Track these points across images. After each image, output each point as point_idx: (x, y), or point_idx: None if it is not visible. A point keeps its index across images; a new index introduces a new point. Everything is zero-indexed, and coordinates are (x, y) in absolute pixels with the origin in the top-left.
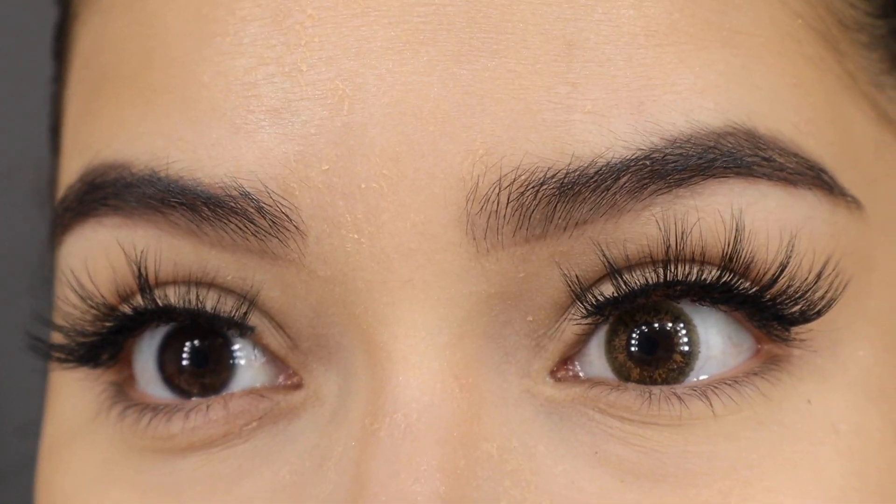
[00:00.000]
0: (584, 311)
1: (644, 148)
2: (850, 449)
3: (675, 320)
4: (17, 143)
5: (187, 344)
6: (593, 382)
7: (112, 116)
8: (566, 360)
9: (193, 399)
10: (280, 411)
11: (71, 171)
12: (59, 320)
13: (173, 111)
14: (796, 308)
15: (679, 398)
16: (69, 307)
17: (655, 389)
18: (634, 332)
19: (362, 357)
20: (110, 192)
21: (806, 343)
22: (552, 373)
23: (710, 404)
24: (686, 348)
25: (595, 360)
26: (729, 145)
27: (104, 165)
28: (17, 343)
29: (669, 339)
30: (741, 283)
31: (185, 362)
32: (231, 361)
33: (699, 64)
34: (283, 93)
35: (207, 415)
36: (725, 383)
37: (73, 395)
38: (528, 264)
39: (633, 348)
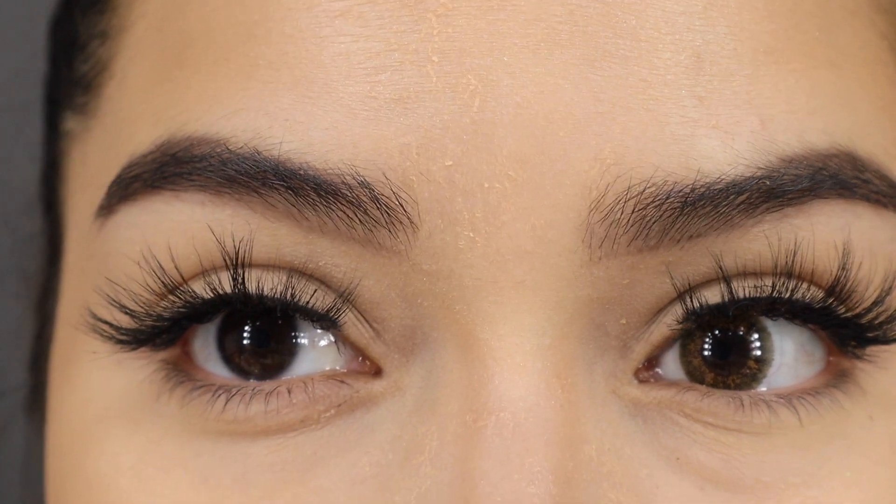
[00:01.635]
0: (681, 315)
1: (763, 167)
2: None
3: (751, 327)
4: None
5: (248, 323)
6: (681, 387)
7: (202, 88)
8: (650, 362)
9: (267, 382)
10: (358, 399)
11: (139, 139)
12: (119, 297)
13: (282, 89)
14: (878, 332)
15: (768, 405)
16: (136, 285)
17: (745, 396)
18: (709, 335)
19: (455, 352)
20: (198, 167)
21: (878, 359)
22: (636, 374)
23: (797, 413)
24: (759, 353)
25: (669, 362)
26: (834, 167)
27: (192, 139)
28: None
29: (744, 345)
30: (840, 307)
31: (245, 342)
32: (294, 342)
33: (811, 84)
34: (410, 82)
35: (290, 397)
36: (808, 393)
37: (101, 378)
38: (635, 272)
39: (706, 352)
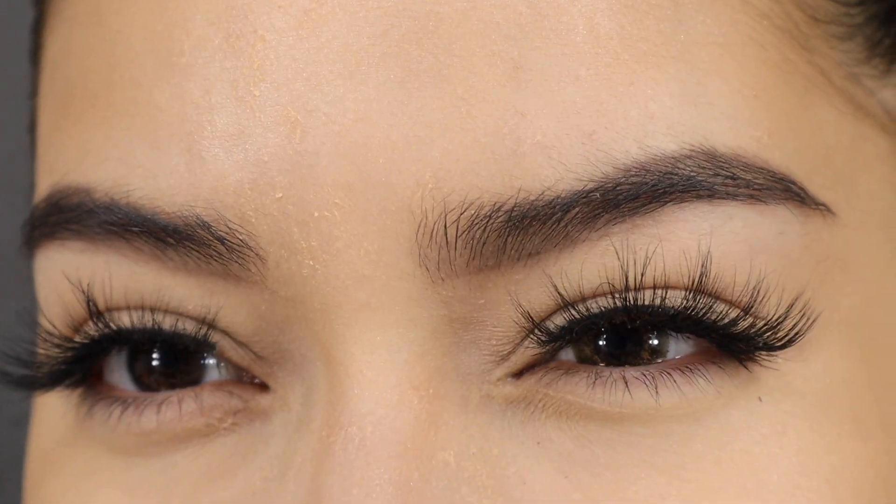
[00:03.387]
0: (541, 340)
1: (596, 179)
2: (797, 450)
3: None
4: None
5: (156, 350)
6: (548, 368)
7: (77, 137)
8: (531, 366)
9: (163, 392)
10: (253, 411)
11: (41, 187)
12: (17, 350)
13: (133, 136)
14: (760, 340)
15: (626, 382)
16: (40, 336)
17: (605, 372)
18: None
19: (323, 370)
20: (73, 217)
21: (768, 361)
22: (514, 375)
23: (657, 392)
24: (656, 342)
25: (561, 356)
26: (687, 169)
27: (69, 189)
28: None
29: (638, 337)
30: (707, 314)
31: (154, 363)
32: (202, 362)
33: (651, 85)
34: (236, 118)
35: (180, 408)
36: (678, 370)
37: (51, 403)
38: (487, 291)
39: (601, 342)
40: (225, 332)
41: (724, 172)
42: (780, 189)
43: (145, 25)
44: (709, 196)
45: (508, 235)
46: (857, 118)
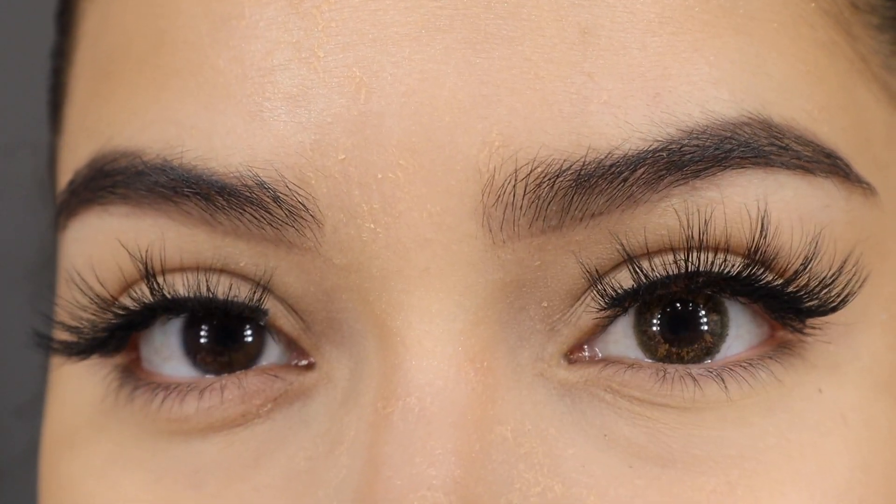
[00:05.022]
0: (601, 303)
1: (661, 139)
2: (857, 440)
3: (708, 300)
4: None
5: (205, 324)
6: (608, 362)
7: (123, 101)
8: (581, 344)
9: (207, 377)
10: (294, 392)
11: (79, 154)
12: (63, 313)
13: (186, 97)
14: (814, 302)
15: (694, 379)
16: (73, 302)
17: (670, 368)
18: (665, 310)
19: (374, 342)
20: (119, 181)
21: (820, 332)
22: (566, 356)
23: (726, 387)
24: (713, 327)
25: (620, 338)
26: (745, 135)
27: (115, 152)
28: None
29: (697, 319)
30: (765, 275)
31: (203, 340)
32: (248, 341)
33: (714, 53)
34: (299, 80)
35: (223, 394)
36: (741, 366)
37: (76, 383)
38: (545, 253)
39: (655, 327)
40: (278, 299)
41: (778, 142)
42: (828, 163)
43: None
44: (764, 164)
45: (574, 195)
46: (892, 108)
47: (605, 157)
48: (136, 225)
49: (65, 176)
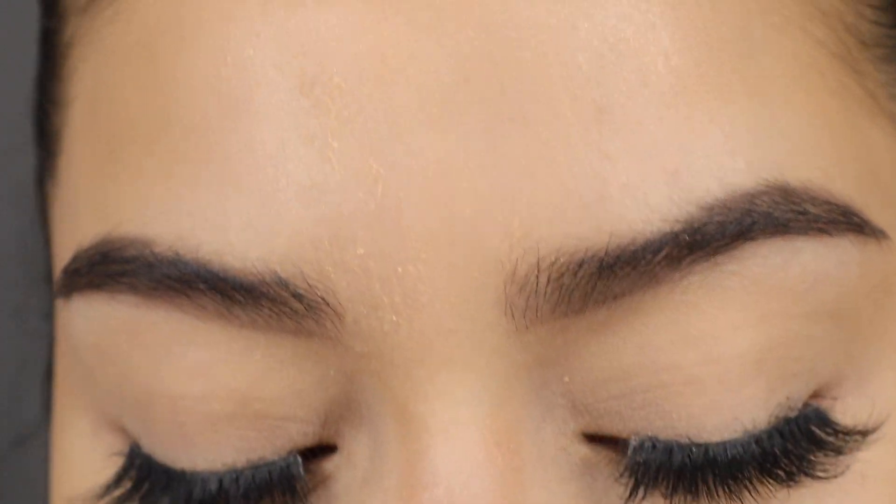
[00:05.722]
0: None
1: (681, 219)
2: (877, 496)
3: None
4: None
5: None
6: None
7: (131, 184)
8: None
9: None
10: (315, 480)
11: (84, 231)
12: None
13: (197, 185)
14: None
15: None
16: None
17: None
18: None
19: (395, 426)
20: (128, 270)
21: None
22: (587, 434)
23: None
24: None
25: None
26: (764, 205)
27: (123, 240)
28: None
29: None
30: None
31: None
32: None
33: (729, 121)
34: (314, 171)
35: None
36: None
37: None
38: (567, 333)
39: None
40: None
41: (796, 207)
42: (844, 221)
43: (206, 67)
44: (783, 232)
45: (598, 281)
46: None
47: (628, 243)
48: (146, 316)
49: (64, 241)
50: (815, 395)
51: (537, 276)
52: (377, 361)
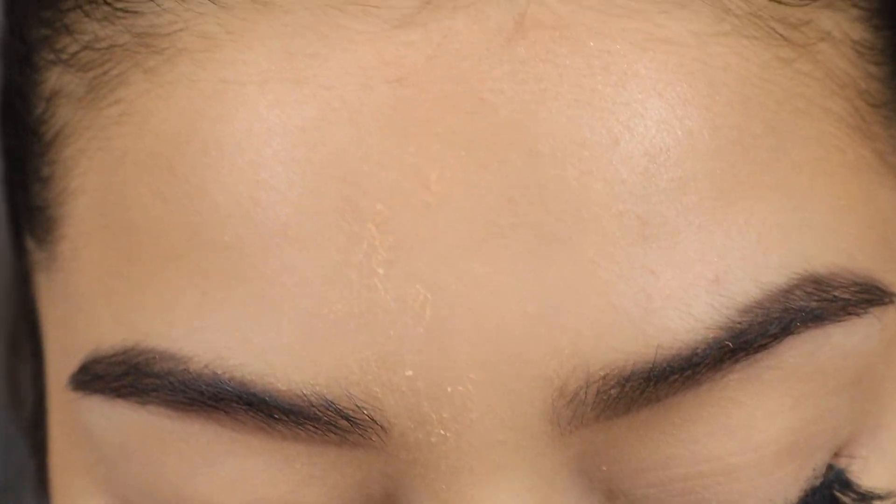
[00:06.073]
0: None
1: (723, 325)
2: None
3: None
4: None
5: None
6: None
7: (158, 296)
8: None
9: None
10: None
11: (101, 329)
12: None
13: (234, 306)
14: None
15: None
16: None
17: None
18: None
19: None
20: (161, 385)
21: None
22: None
23: None
24: None
25: None
26: (797, 299)
27: (154, 352)
28: None
29: None
30: None
31: None
32: None
33: (761, 219)
34: (359, 298)
35: None
36: None
37: None
38: (609, 432)
39: None
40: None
41: (826, 296)
42: (867, 297)
43: (237, 188)
44: (818, 323)
45: (644, 390)
46: None
47: (675, 355)
48: (180, 427)
49: (68, 327)
50: (835, 454)
51: (586, 391)
52: (422, 468)
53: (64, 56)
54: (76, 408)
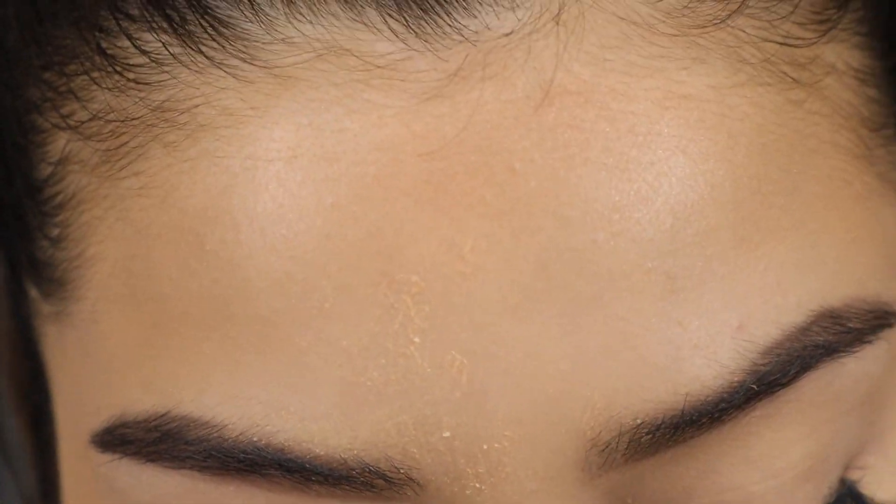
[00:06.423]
0: None
1: (746, 368)
2: None
3: None
4: None
5: None
6: None
7: (189, 365)
8: None
9: None
10: None
11: (127, 393)
12: None
13: (268, 376)
14: None
15: None
16: None
17: None
18: None
19: None
20: (195, 451)
21: None
22: None
23: None
24: None
25: None
26: (815, 335)
27: (187, 419)
28: None
29: None
30: None
31: None
32: None
33: (779, 262)
34: (396, 366)
35: None
36: None
37: None
38: (635, 471)
39: None
40: None
41: (842, 328)
42: (879, 324)
43: (265, 262)
44: (835, 356)
45: (672, 436)
46: None
47: (703, 401)
48: (214, 489)
49: (89, 384)
50: (846, 467)
51: (618, 440)
52: None
53: (72, 122)
54: (98, 462)
